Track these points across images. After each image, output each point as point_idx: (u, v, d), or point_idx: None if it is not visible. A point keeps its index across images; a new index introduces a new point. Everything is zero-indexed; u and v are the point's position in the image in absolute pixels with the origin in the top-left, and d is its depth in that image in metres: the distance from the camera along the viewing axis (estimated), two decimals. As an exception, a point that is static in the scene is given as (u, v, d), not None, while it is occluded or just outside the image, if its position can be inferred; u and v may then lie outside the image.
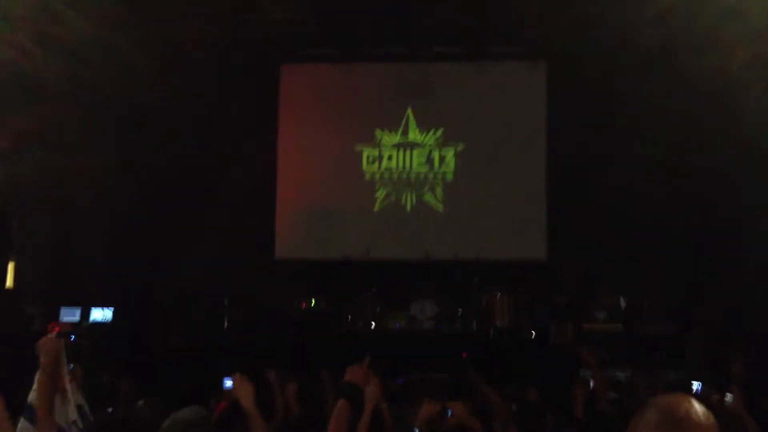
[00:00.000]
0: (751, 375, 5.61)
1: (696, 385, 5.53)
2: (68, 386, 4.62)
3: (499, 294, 11.21)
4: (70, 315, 10.41)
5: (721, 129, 11.09)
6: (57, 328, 9.84)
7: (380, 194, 13.52)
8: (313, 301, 11.57)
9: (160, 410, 5.12)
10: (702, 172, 11.47)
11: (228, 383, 5.30)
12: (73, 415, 4.58)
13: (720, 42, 10.07)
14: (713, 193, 11.35)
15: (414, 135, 13.61)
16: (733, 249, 10.95)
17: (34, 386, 4.13)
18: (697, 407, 2.18)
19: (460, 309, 11.26)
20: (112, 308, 10.67)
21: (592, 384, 6.48)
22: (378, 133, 13.64)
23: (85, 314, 10.48)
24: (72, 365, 5.44)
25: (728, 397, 5.07)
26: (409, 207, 13.44)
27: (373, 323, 11.21)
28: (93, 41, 10.26)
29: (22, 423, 4.14)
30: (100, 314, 10.54)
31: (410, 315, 11.10)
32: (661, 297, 10.87)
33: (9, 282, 10.99)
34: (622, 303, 10.63)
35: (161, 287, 12.17)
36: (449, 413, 5.16)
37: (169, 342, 10.73)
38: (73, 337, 9.71)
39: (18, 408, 4.08)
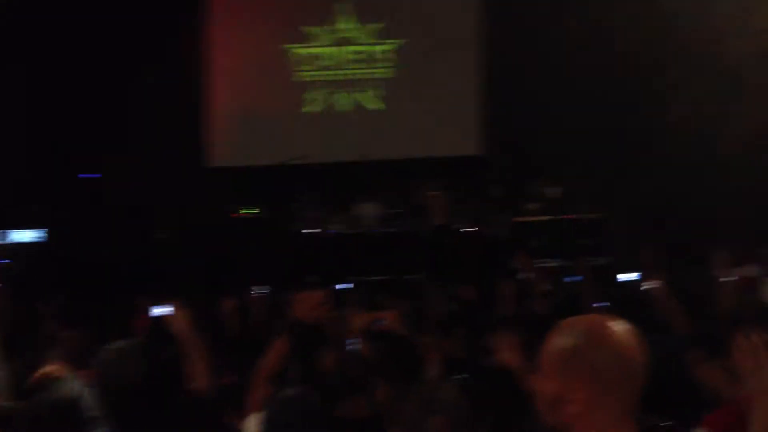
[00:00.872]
0: (666, 259, 5.68)
1: (632, 275, 5.59)
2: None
3: (436, 191, 11.16)
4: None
5: (655, 17, 11.08)
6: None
7: (315, 95, 13.19)
8: (250, 209, 11.39)
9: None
10: (630, 59, 11.49)
11: (156, 311, 5.19)
12: None
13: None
14: (641, 81, 11.42)
15: (348, 30, 13.19)
16: (659, 133, 11.10)
17: None
18: (618, 324, 2.01)
19: (398, 209, 11.21)
20: (35, 228, 10.36)
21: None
22: (310, 29, 13.19)
23: (6, 236, 10.17)
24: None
25: (651, 284, 5.12)
26: (345, 107, 13.17)
27: (314, 228, 11.10)
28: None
29: None
30: (24, 235, 10.23)
31: (354, 216, 10.97)
32: (593, 185, 11.01)
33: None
34: (554, 193, 10.73)
35: (88, 201, 11.85)
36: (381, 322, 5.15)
37: (98, 257, 10.51)
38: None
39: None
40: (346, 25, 13.17)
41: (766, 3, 11.31)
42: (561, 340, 2.02)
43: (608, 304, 5.43)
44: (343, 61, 13.22)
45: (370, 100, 13.13)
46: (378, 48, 13.16)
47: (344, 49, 13.22)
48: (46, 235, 10.67)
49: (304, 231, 10.98)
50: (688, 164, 10.80)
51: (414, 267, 9.60)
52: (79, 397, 3.08)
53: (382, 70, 13.16)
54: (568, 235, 9.79)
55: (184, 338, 3.99)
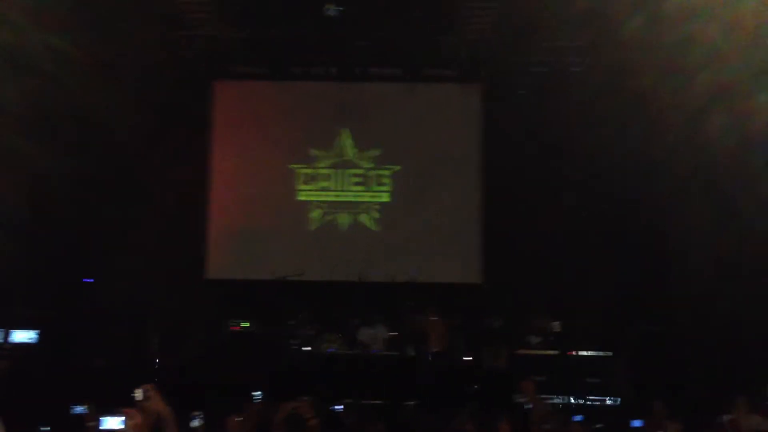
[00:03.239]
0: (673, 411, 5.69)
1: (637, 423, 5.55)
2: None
3: (434, 317, 11.19)
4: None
5: (654, 150, 11.42)
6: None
7: (315, 214, 13.42)
8: (245, 323, 11.34)
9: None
10: (633, 194, 11.77)
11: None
12: None
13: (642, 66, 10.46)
14: (645, 216, 11.64)
15: (350, 155, 13.58)
16: (663, 270, 11.21)
17: None
18: None
19: (395, 332, 11.18)
20: (35, 330, 10.23)
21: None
22: (313, 152, 13.56)
23: (7, 335, 10.03)
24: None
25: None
26: (344, 227, 13.37)
27: (308, 346, 11.03)
28: (36, 50, 9.97)
29: None
30: (24, 335, 10.10)
31: (355, 338, 10.87)
32: (594, 321, 11.03)
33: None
34: (556, 327, 10.73)
35: (87, 306, 11.79)
36: None
37: (92, 362, 10.41)
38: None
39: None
40: (347, 150, 13.55)
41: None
42: None
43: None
44: (343, 183, 13.53)
45: (370, 222, 13.36)
46: (377, 172, 13.51)
47: (344, 171, 13.56)
48: (37, 336, 10.49)
49: (298, 348, 10.91)
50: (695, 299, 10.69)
51: (409, 393, 9.52)
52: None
53: (381, 193, 13.46)
54: (573, 372, 9.72)
55: (167, 416, 4.00)
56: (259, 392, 6.84)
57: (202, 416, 6.10)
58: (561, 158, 12.24)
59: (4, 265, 10.98)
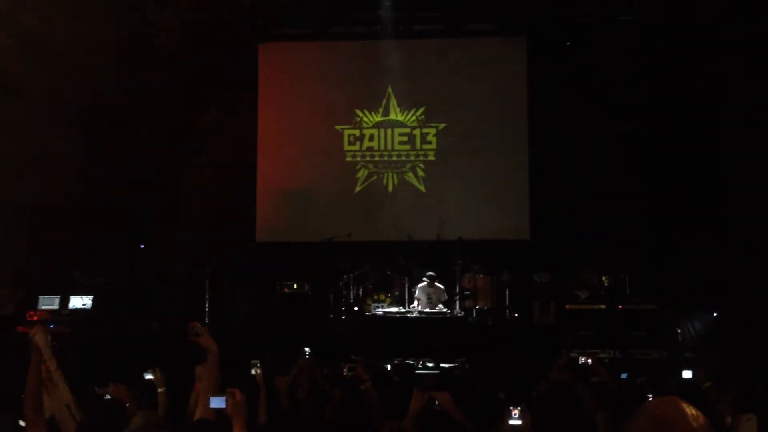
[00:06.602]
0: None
1: (687, 373, 5.45)
2: (57, 374, 4.56)
3: (482, 275, 11.17)
4: (48, 303, 10.26)
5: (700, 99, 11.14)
6: (36, 317, 9.75)
7: (362, 174, 13.40)
8: (296, 284, 11.47)
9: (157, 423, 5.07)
10: (683, 147, 11.52)
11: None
12: (67, 395, 4.52)
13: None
14: (694, 168, 11.39)
15: (395, 114, 13.49)
16: (715, 223, 10.97)
17: None
18: (687, 410, 2.10)
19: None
20: (91, 295, 10.51)
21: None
22: (359, 112, 13.50)
23: (64, 302, 10.33)
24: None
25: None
26: (390, 187, 13.34)
27: (356, 306, 11.14)
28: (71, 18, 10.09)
29: None
30: (80, 301, 10.39)
31: (407, 300, 10.88)
32: (643, 274, 10.87)
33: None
34: (604, 281, 10.61)
35: (141, 272, 12.07)
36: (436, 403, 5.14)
37: (148, 326, 10.67)
38: (53, 325, 9.61)
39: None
40: (392, 108, 13.45)
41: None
42: (633, 422, 2.15)
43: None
44: (388, 143, 13.45)
45: (416, 182, 13.30)
46: (422, 131, 13.39)
47: (390, 131, 13.47)
48: (92, 302, 10.76)
49: (348, 308, 11.02)
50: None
51: (458, 350, 9.54)
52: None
53: (428, 152, 13.36)
54: (622, 325, 9.61)
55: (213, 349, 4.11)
56: (308, 348, 6.91)
57: (259, 365, 6.20)
58: (609, 111, 11.97)
59: (60, 236, 11.30)
